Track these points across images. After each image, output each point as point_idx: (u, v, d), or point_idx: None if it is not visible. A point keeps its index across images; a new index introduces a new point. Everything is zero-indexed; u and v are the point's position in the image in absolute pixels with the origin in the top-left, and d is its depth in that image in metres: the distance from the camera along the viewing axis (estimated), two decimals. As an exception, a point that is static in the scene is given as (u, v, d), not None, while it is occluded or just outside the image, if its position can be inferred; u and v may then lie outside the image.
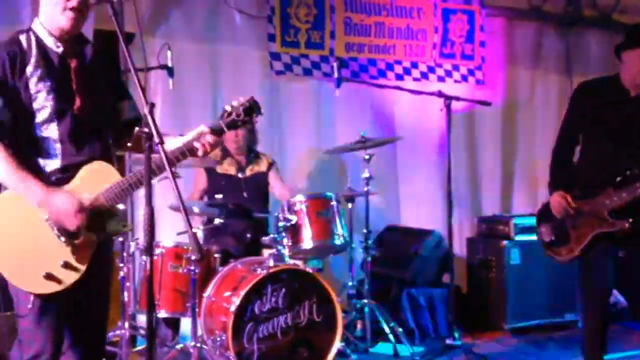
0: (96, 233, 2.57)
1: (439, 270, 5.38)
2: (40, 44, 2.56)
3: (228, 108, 2.69)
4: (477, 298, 5.48)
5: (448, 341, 4.56)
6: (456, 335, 4.50)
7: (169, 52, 4.34)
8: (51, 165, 2.56)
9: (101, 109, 2.67)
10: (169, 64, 4.37)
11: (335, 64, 4.60)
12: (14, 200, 2.49)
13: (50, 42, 2.58)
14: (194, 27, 5.27)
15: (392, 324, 4.60)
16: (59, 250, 2.51)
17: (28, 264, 2.48)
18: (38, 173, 2.52)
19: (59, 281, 2.50)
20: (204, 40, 5.31)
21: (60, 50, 2.58)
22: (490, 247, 5.44)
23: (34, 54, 2.53)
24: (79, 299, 2.59)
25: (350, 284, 4.83)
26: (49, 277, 2.48)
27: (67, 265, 2.50)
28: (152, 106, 2.32)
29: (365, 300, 4.66)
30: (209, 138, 2.63)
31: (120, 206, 4.09)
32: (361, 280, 4.85)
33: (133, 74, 2.36)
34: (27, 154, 2.53)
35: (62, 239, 2.51)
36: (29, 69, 2.51)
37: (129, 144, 2.81)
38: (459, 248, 5.77)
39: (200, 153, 2.64)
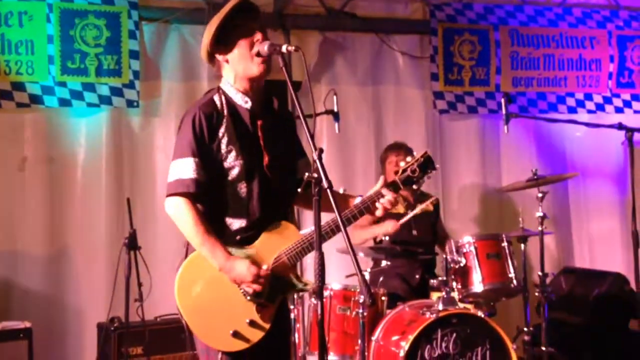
0: (279, 292, 2.62)
1: (623, 315, 4.96)
2: (229, 102, 2.65)
3: (402, 164, 2.71)
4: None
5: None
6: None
7: (334, 98, 4.43)
8: (237, 224, 2.61)
9: (286, 167, 2.73)
10: (335, 109, 4.45)
11: (503, 100, 4.45)
12: (207, 259, 2.58)
13: (238, 99, 2.66)
14: (358, 70, 5.38)
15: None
16: (245, 308, 2.58)
17: (217, 322, 2.56)
18: (223, 233, 2.59)
19: (245, 339, 2.56)
20: (367, 83, 5.40)
21: (248, 106, 2.66)
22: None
23: (226, 114, 2.62)
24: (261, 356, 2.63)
25: (525, 329, 4.57)
26: (236, 335, 2.56)
27: (253, 324, 2.57)
28: (320, 151, 2.34)
29: (543, 348, 4.40)
30: (388, 196, 2.62)
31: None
32: (537, 325, 4.58)
33: (302, 121, 2.41)
34: (216, 212, 2.61)
35: (248, 297, 2.57)
36: (222, 130, 2.60)
37: (298, 202, 2.85)
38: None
39: (379, 213, 2.64)
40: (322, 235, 2.56)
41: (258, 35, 2.59)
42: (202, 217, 2.55)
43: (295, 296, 4.26)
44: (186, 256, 2.63)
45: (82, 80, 4.68)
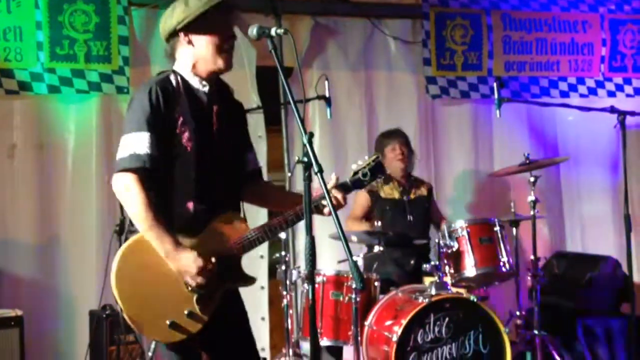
0: (223, 283, 2.55)
1: (616, 299, 4.99)
2: (186, 83, 2.61)
3: (354, 167, 2.72)
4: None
5: (629, 376, 4.20)
6: (638, 370, 4.14)
7: (326, 83, 4.40)
8: (186, 208, 2.53)
9: (236, 155, 2.70)
10: (327, 95, 4.42)
11: (495, 85, 4.42)
12: (149, 244, 2.47)
13: (195, 82, 2.62)
14: (350, 56, 5.34)
15: (565, 357, 4.30)
16: (185, 299, 2.49)
17: (154, 310, 2.47)
18: (172, 217, 2.51)
19: (183, 330, 2.48)
20: (359, 68, 5.36)
21: (206, 89, 2.63)
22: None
23: (183, 93, 2.58)
24: (215, 347, 2.59)
25: (518, 313, 4.59)
26: (174, 326, 2.47)
27: (191, 315, 2.49)
28: (310, 136, 2.32)
29: (535, 331, 4.41)
30: (335, 193, 2.61)
31: (282, 235, 4.22)
32: (530, 309, 4.60)
33: (293, 106, 2.39)
34: (164, 195, 2.53)
35: (189, 287, 2.49)
36: (178, 109, 2.54)
37: (246, 196, 2.80)
38: (638, 275, 5.34)
39: (326, 211, 2.59)
40: (280, 227, 2.59)
41: (231, 34, 2.60)
42: (150, 202, 2.46)
43: (288, 282, 4.26)
44: (126, 239, 2.56)
45: (72, 67, 4.63)
